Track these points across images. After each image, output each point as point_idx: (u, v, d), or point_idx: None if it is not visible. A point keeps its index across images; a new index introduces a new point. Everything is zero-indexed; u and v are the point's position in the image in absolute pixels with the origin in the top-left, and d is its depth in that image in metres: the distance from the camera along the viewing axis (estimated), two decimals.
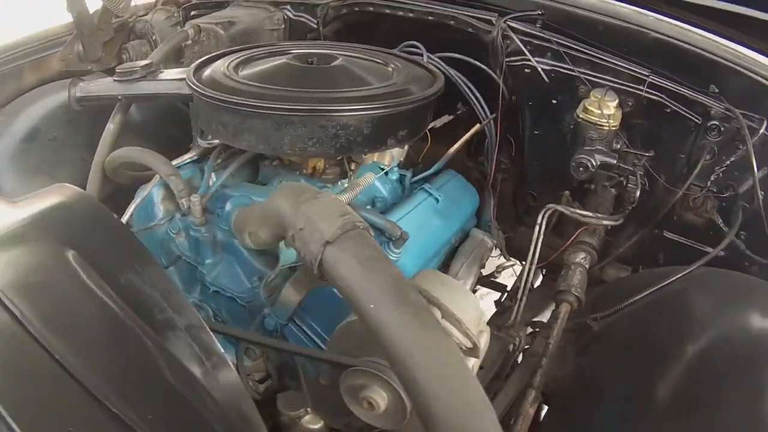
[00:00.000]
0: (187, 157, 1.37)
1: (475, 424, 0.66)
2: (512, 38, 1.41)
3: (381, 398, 0.85)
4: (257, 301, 1.16)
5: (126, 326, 0.67)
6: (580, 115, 1.26)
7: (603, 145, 1.26)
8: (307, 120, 1.09)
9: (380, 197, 1.34)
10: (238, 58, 1.33)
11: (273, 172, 1.35)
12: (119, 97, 1.41)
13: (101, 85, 1.45)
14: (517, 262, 1.57)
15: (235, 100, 1.10)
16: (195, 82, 1.19)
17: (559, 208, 1.30)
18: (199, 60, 1.33)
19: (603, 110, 1.25)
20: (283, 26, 1.72)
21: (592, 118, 1.25)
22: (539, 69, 1.40)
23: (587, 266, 1.32)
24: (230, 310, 1.23)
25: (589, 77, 1.35)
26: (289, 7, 1.72)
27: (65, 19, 1.77)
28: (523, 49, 1.40)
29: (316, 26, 1.68)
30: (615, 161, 1.26)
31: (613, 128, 1.25)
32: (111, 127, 1.49)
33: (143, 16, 1.87)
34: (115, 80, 1.41)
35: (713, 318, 1.10)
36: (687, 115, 1.29)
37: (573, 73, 1.37)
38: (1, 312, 0.59)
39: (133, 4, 1.77)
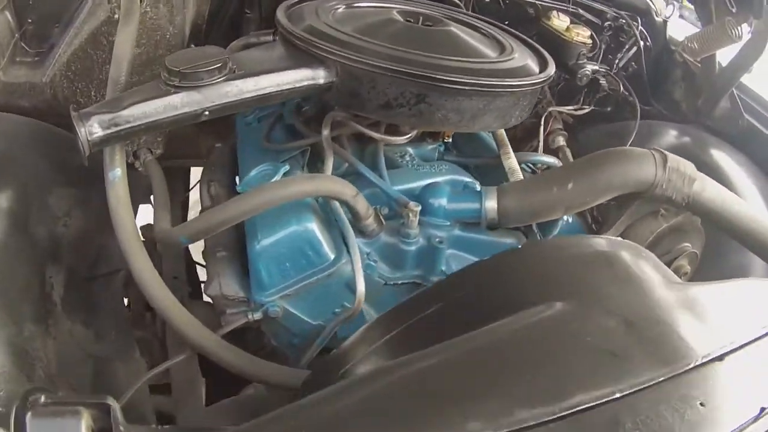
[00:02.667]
0: None
1: None
2: None
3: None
4: None
5: None
6: (575, 39, 1.59)
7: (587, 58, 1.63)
8: (535, 91, 1.14)
9: None
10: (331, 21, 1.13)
11: (396, 150, 1.23)
12: (205, 113, 0.96)
13: (147, 106, 0.93)
14: None
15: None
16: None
17: (559, 108, 1.64)
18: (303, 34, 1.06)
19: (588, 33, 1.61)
20: None
21: (583, 39, 1.60)
22: None
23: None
24: None
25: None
26: None
27: None
28: None
29: None
30: (597, 67, 1.65)
31: (590, 44, 1.63)
32: (118, 173, 0.99)
33: None
34: (179, 89, 0.94)
35: None
36: (593, 20, 1.76)
37: None
38: None
39: None
